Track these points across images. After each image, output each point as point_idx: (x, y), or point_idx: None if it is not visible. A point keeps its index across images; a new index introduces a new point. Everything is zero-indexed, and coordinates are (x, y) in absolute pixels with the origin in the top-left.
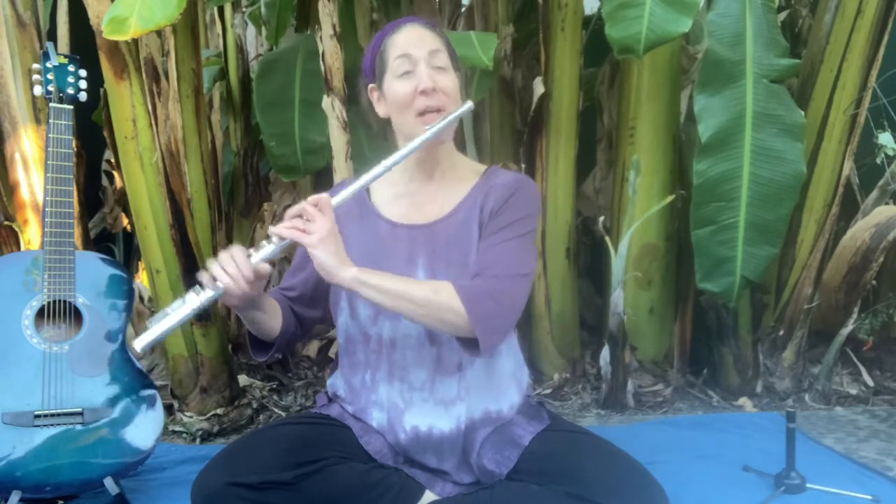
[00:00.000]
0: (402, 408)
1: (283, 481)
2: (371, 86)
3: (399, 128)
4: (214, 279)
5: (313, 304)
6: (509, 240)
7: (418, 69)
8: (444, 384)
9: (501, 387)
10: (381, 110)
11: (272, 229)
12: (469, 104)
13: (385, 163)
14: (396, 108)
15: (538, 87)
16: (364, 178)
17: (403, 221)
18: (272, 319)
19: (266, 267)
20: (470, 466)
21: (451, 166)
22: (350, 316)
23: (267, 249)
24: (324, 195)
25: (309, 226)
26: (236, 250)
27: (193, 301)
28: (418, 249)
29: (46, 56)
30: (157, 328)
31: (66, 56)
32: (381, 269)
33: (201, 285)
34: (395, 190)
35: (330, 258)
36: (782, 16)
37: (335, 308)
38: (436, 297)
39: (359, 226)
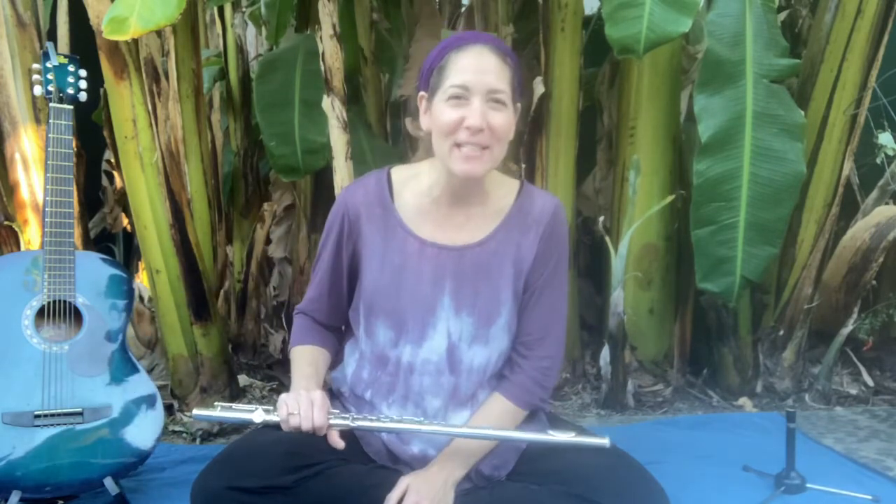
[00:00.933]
0: (413, 432)
1: (282, 485)
2: (422, 94)
3: (436, 149)
4: (290, 412)
5: (346, 309)
6: (557, 299)
7: (472, 101)
8: (456, 414)
9: None
10: (424, 122)
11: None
12: (605, 443)
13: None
14: (438, 131)
15: (538, 87)
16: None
17: (432, 240)
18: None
19: (340, 443)
20: (468, 475)
21: (483, 192)
22: (366, 334)
23: (343, 424)
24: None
25: None
26: (321, 406)
27: (258, 416)
28: (445, 272)
29: (46, 56)
30: (220, 412)
31: (66, 56)
32: (404, 290)
33: (275, 406)
34: (420, 202)
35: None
36: (782, 16)
37: (354, 318)
38: (513, 422)
39: (381, 231)
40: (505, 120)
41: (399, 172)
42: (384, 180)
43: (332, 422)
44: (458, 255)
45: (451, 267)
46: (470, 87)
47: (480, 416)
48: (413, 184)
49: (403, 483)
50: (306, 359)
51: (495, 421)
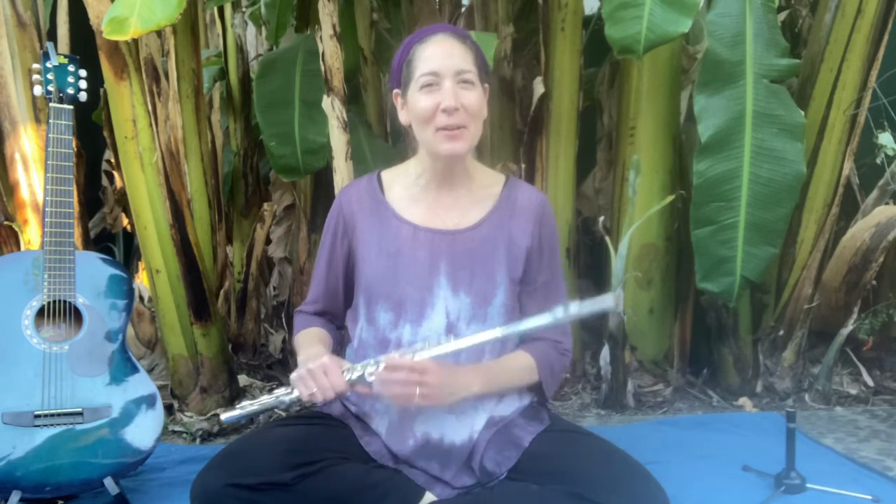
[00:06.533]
0: (414, 412)
1: (281, 482)
2: (396, 91)
3: (419, 138)
4: (307, 388)
5: (343, 309)
6: (559, 286)
7: (443, 85)
8: None
9: (513, 394)
10: (403, 118)
11: (379, 380)
12: (609, 303)
13: (492, 334)
14: (417, 120)
15: (538, 87)
16: (465, 342)
17: (424, 225)
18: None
19: (363, 389)
20: (471, 470)
21: (468, 175)
22: (366, 321)
23: (360, 375)
24: (430, 368)
25: (423, 389)
26: (333, 370)
27: (282, 397)
28: (440, 256)
29: (46, 56)
30: (245, 408)
31: (66, 56)
32: (401, 273)
33: (290, 387)
34: (410, 192)
35: (447, 399)
36: (782, 16)
37: (353, 318)
38: (528, 379)
39: (375, 224)
40: (476, 98)
41: (388, 172)
42: (375, 178)
43: (350, 379)
44: (452, 238)
45: (445, 250)
46: (439, 72)
47: (506, 359)
48: (401, 178)
49: (427, 364)
50: (309, 338)
51: (517, 366)
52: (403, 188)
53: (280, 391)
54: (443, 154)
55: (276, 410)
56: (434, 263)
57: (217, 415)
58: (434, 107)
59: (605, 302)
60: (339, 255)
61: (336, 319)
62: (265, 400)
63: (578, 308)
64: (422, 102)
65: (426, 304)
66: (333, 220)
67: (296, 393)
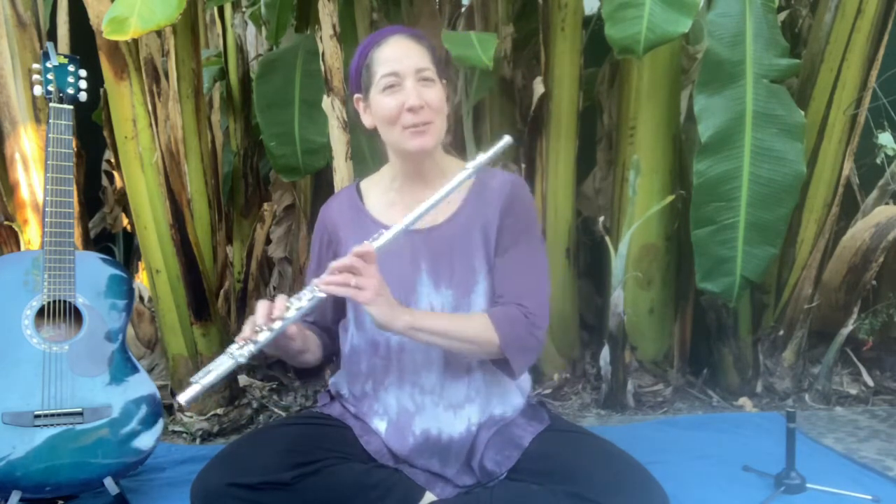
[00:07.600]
0: (412, 411)
1: (282, 482)
2: (357, 96)
3: (386, 139)
4: (256, 332)
5: (334, 321)
6: (528, 258)
7: (405, 84)
8: (452, 387)
9: (507, 390)
10: (366, 121)
11: (319, 285)
12: (507, 139)
13: (429, 202)
14: (383, 121)
15: (538, 87)
16: (406, 220)
17: None
18: (311, 353)
19: (293, 329)
20: (471, 469)
21: (440, 171)
22: (356, 327)
23: (307, 303)
24: (369, 248)
25: (361, 281)
26: (278, 302)
27: (236, 353)
28: (420, 254)
29: (46, 56)
30: (201, 381)
31: (66, 56)
32: (384, 276)
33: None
34: (387, 197)
35: (385, 310)
36: (782, 16)
37: (344, 328)
38: (484, 334)
39: (357, 232)
40: (437, 94)
41: (366, 181)
42: (354, 189)
43: (291, 308)
44: (428, 235)
45: (424, 248)
46: (399, 73)
47: (473, 319)
48: (377, 185)
49: (369, 249)
50: None
51: (479, 325)
52: (380, 194)
53: (232, 347)
54: (412, 151)
55: (275, 410)
56: (415, 263)
57: (217, 415)
58: (399, 106)
59: (503, 140)
60: (326, 266)
61: (323, 328)
62: (218, 363)
63: (484, 155)
64: (386, 103)
65: (409, 302)
66: (318, 234)
67: (247, 347)
